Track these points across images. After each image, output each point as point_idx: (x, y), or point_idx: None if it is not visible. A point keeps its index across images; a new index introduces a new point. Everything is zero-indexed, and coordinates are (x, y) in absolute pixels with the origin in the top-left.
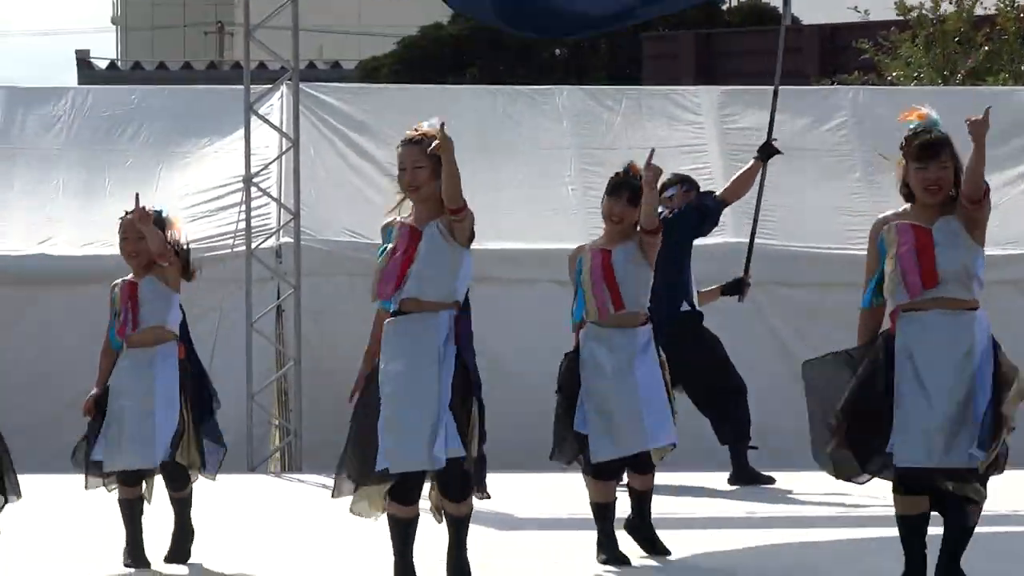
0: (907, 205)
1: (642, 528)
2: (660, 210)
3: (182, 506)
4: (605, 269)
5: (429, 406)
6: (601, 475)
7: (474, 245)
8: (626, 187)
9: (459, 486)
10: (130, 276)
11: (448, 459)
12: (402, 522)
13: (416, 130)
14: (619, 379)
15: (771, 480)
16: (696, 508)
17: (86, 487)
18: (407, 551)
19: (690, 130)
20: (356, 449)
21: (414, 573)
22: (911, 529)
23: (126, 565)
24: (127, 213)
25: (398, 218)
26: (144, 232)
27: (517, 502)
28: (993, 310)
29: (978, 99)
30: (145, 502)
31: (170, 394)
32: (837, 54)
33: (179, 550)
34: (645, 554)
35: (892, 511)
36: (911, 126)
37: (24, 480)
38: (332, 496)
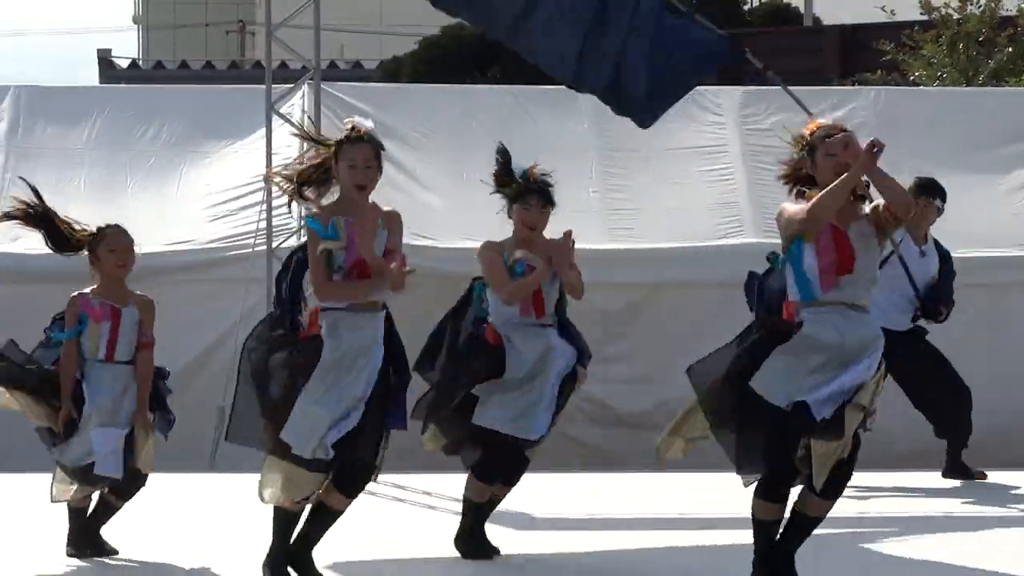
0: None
1: None
2: None
3: (107, 514)
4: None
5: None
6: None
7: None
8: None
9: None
10: (90, 292)
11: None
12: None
13: (354, 128)
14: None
15: (983, 476)
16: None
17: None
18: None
19: (711, 131)
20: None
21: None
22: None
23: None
24: (109, 226)
25: (337, 216)
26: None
27: (532, 503)
28: (1013, 311)
29: (1000, 100)
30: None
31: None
32: (858, 54)
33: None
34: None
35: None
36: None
37: (27, 480)
38: None
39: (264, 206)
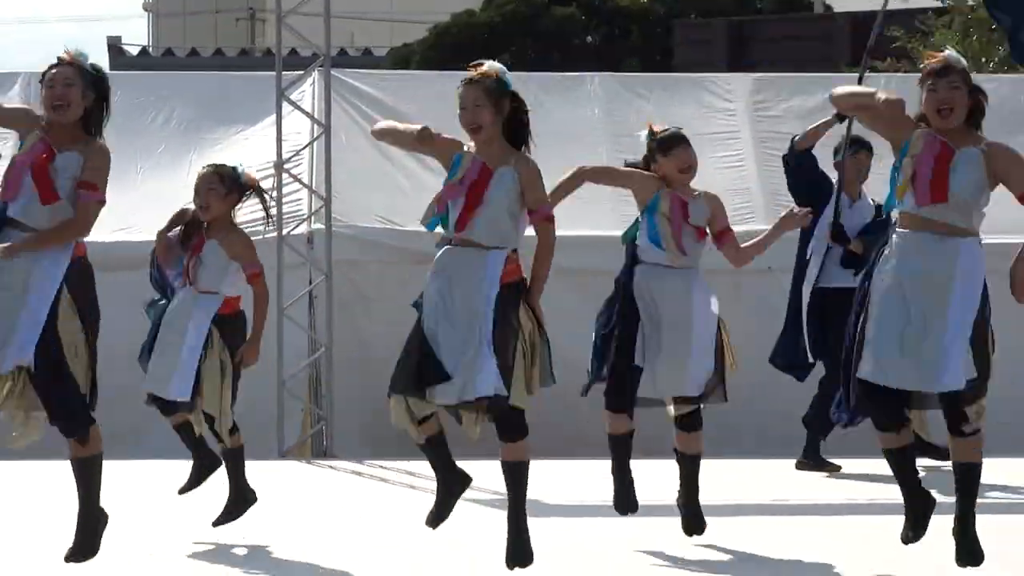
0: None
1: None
2: None
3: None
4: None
5: (471, 333)
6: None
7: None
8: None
9: (506, 427)
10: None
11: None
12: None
13: (476, 68)
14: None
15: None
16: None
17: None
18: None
19: (722, 117)
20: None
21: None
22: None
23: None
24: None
25: (468, 148)
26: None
27: (543, 489)
28: None
29: (1012, 87)
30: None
31: (198, 341)
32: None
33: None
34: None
35: None
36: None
37: (53, 466)
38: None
39: (274, 192)
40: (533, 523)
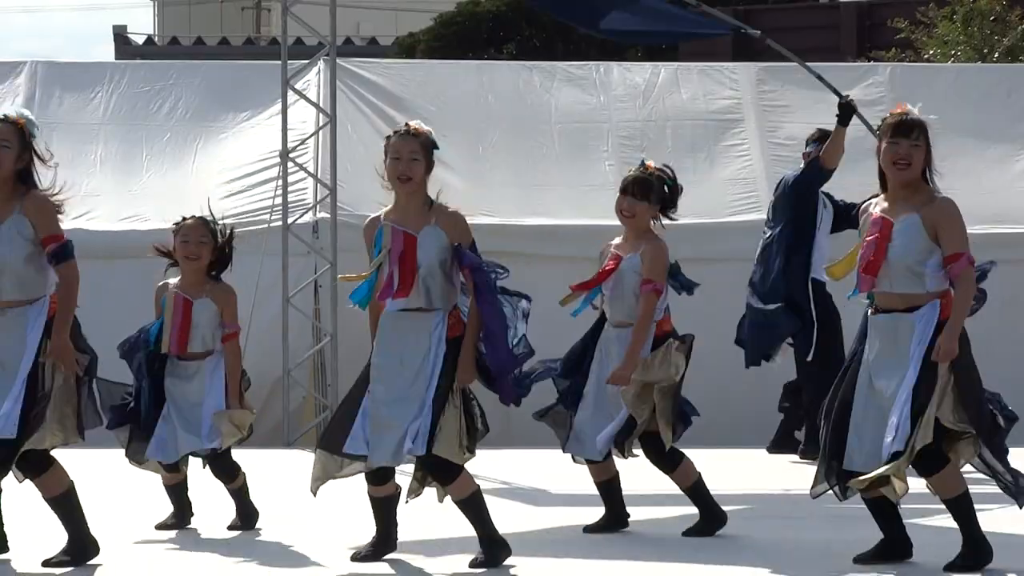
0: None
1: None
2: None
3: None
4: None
5: (409, 406)
6: None
7: (513, 221)
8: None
9: (440, 473)
10: (176, 283)
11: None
12: (380, 500)
13: (408, 125)
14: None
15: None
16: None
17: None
18: (390, 523)
19: (728, 106)
20: (336, 421)
21: (394, 544)
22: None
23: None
24: (186, 219)
25: (382, 218)
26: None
27: (549, 479)
28: None
29: (1015, 77)
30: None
31: (218, 399)
32: (874, 32)
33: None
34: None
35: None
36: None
37: (57, 454)
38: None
39: (280, 182)
40: (535, 512)
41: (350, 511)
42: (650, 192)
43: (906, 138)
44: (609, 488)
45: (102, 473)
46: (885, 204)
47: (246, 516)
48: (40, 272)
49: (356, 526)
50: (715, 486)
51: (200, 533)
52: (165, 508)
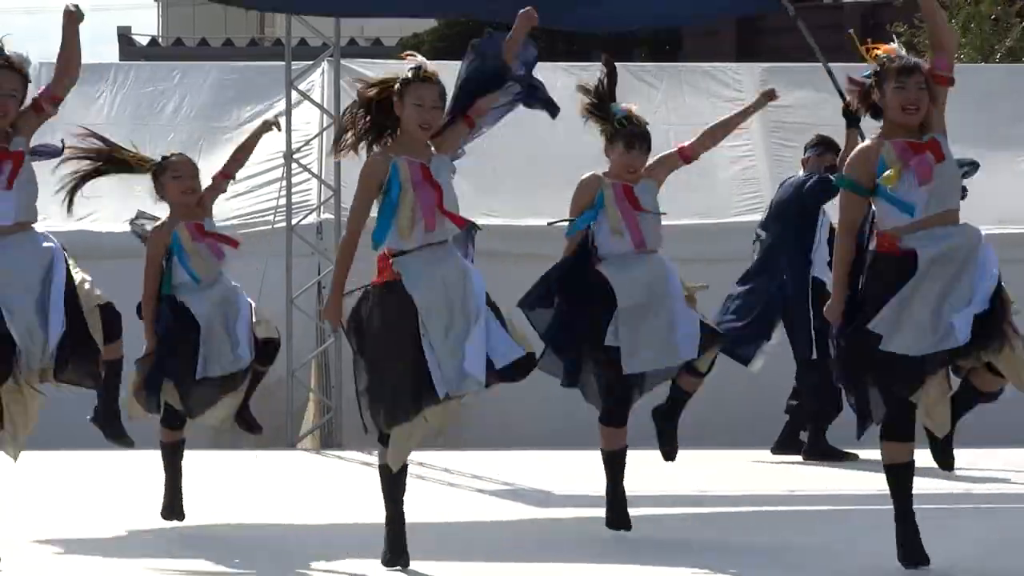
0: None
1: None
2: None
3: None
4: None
5: (474, 327)
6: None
7: (513, 222)
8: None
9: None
10: (169, 218)
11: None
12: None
13: (422, 68)
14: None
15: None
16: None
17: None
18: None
19: (731, 107)
20: (392, 390)
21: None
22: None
23: (164, 517)
24: (167, 157)
25: (394, 156)
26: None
27: (550, 480)
28: None
29: (1017, 77)
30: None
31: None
32: (878, 32)
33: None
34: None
35: None
36: (882, 57)
37: (60, 456)
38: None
39: (283, 183)
40: (537, 513)
41: (353, 511)
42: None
43: (911, 78)
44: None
45: (97, 473)
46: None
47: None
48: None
49: (360, 527)
50: (719, 487)
51: (201, 533)
52: (155, 506)
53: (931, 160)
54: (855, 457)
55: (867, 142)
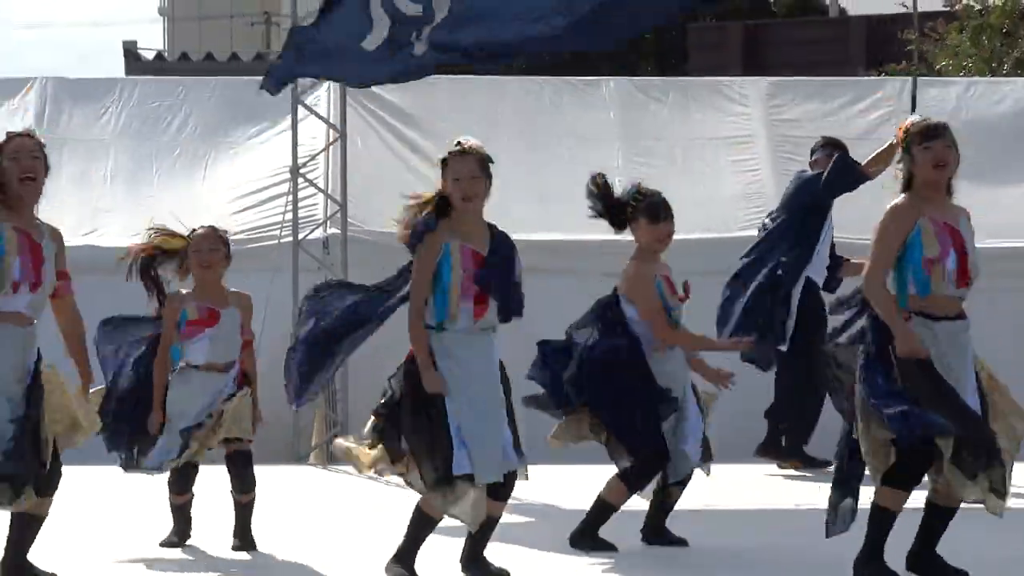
0: (901, 196)
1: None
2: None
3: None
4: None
5: (500, 419)
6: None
7: (521, 236)
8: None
9: (508, 488)
10: (190, 293)
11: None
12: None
13: (460, 144)
14: None
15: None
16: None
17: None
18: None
19: (737, 121)
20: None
21: None
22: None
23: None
24: (195, 230)
25: (451, 239)
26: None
27: (561, 494)
28: None
29: None
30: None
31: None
32: (884, 45)
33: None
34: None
35: None
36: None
37: (66, 472)
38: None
39: (290, 197)
40: (544, 528)
41: (359, 528)
42: None
43: (938, 139)
44: None
45: (100, 491)
46: (929, 207)
47: (244, 538)
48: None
49: (366, 542)
50: (730, 501)
51: (205, 552)
52: (164, 526)
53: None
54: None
55: (901, 201)
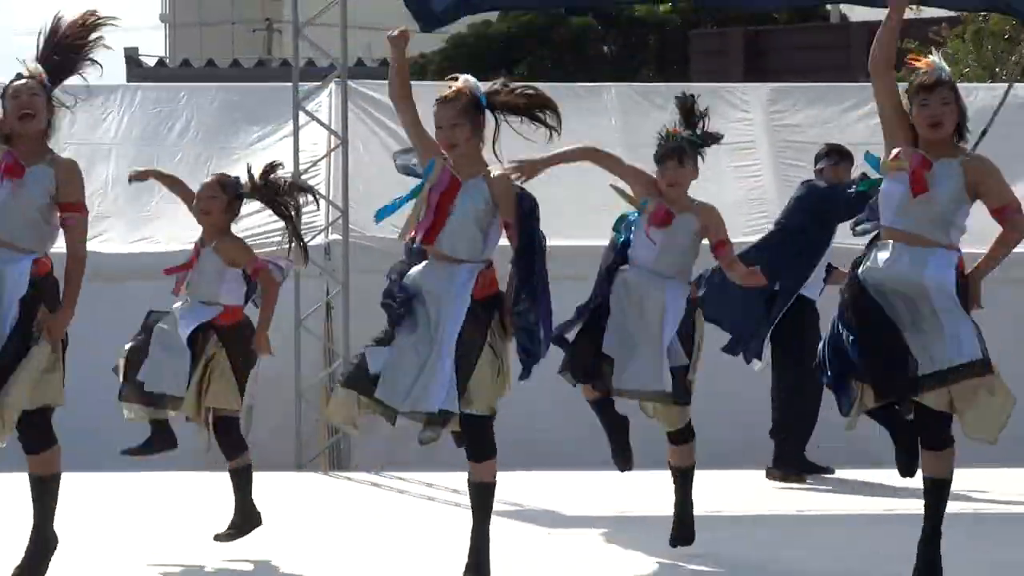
0: None
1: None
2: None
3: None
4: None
5: (428, 353)
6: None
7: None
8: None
9: (475, 444)
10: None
11: (452, 413)
12: None
13: (450, 87)
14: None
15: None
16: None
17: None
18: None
19: (739, 127)
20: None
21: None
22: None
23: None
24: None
25: (444, 160)
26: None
27: (563, 500)
28: None
29: None
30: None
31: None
32: None
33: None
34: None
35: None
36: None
37: (73, 478)
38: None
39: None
40: (546, 534)
41: (362, 534)
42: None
43: (934, 93)
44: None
45: (100, 492)
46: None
47: (245, 515)
48: (39, 229)
49: (369, 549)
50: (734, 507)
51: (209, 555)
52: (164, 530)
53: (927, 177)
54: (831, 471)
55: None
